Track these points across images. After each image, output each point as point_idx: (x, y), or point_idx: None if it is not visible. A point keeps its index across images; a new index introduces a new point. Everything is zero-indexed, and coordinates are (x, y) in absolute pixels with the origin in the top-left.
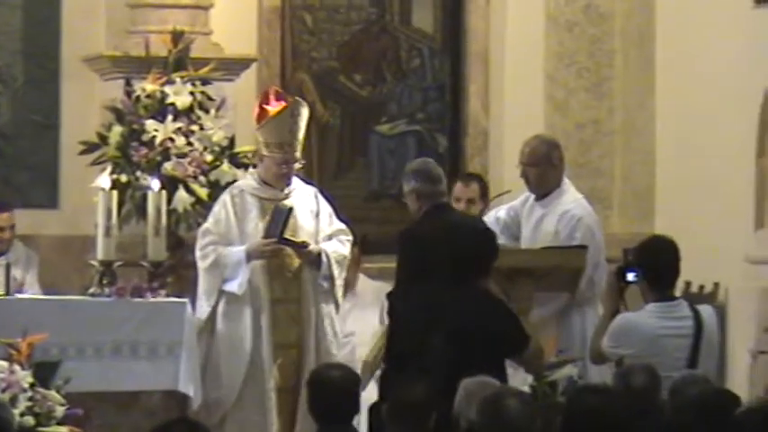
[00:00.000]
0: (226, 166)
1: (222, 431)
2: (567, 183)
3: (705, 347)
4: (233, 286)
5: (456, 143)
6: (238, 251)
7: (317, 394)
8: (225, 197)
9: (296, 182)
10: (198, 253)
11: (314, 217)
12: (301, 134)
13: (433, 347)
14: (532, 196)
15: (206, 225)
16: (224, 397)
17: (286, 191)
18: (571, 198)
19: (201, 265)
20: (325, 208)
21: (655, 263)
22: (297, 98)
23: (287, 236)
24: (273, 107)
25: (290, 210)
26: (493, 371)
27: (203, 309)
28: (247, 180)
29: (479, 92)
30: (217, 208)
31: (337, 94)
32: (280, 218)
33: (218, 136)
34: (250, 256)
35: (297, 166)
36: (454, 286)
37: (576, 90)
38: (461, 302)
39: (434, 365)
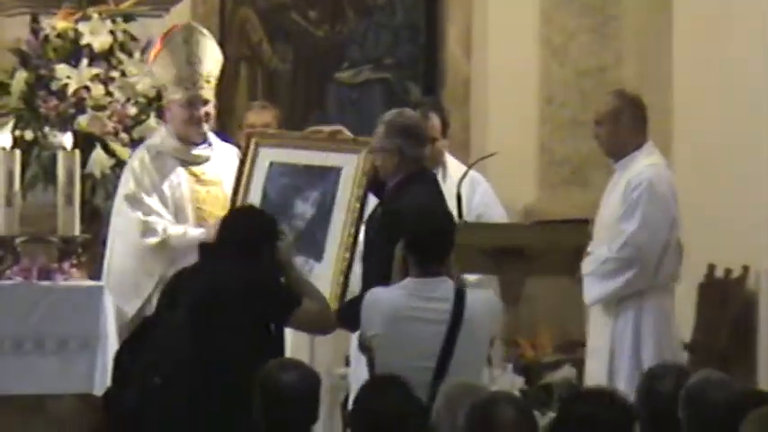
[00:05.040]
0: (153, 120)
1: None
2: (650, 146)
3: (465, 337)
4: None
5: (431, 94)
6: (199, 232)
7: (269, 401)
8: (142, 156)
9: (214, 138)
10: (136, 226)
11: None
12: (206, 68)
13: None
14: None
15: (130, 190)
16: None
17: (206, 150)
18: (646, 162)
19: (143, 242)
20: None
21: (421, 229)
22: (190, 23)
23: None
24: None
25: None
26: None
27: (133, 302)
28: (164, 137)
29: (460, 34)
30: (137, 170)
31: (288, 34)
32: None
33: (144, 84)
34: None
35: (209, 109)
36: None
37: (577, 32)
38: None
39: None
